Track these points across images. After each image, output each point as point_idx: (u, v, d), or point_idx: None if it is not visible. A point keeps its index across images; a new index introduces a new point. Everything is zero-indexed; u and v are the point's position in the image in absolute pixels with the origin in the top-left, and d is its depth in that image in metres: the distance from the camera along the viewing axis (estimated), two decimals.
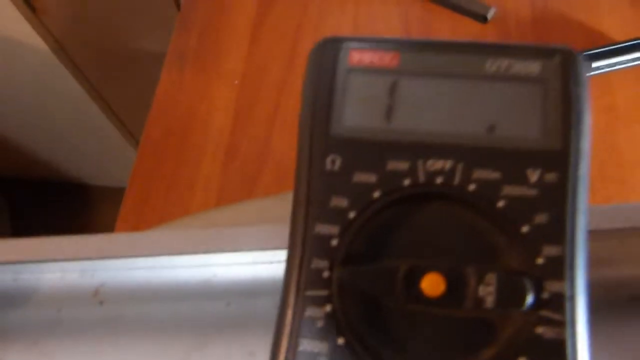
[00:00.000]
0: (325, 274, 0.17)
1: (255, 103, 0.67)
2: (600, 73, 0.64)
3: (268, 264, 0.26)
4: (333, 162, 0.17)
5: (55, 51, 1.02)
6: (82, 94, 1.11)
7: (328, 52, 0.19)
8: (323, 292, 0.16)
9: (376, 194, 0.17)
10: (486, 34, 0.69)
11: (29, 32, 0.96)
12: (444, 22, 0.70)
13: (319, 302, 0.16)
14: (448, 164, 0.17)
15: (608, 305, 0.24)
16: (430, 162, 0.17)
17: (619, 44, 0.64)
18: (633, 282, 0.24)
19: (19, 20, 0.94)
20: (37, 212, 1.40)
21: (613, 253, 0.26)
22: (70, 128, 1.25)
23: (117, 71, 1.24)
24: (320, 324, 0.16)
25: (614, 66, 0.64)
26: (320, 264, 0.17)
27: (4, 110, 1.19)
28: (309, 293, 0.16)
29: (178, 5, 1.39)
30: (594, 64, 0.63)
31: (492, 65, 0.18)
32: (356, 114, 0.18)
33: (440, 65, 0.18)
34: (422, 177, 0.17)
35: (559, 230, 0.16)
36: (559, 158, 0.17)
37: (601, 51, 0.64)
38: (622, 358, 0.22)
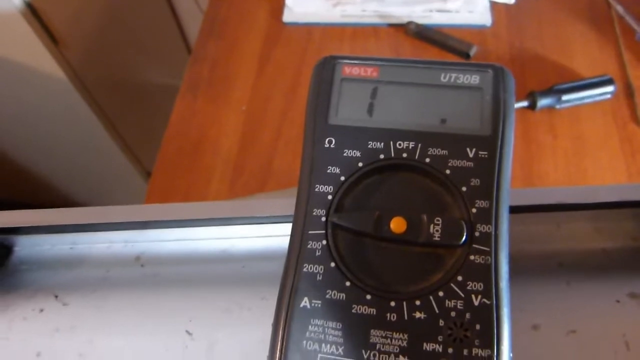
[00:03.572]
0: (323, 219, 0.23)
1: (260, 127, 0.74)
2: (571, 105, 0.71)
3: (276, 237, 0.32)
4: (330, 142, 0.24)
5: (73, 81, 1.07)
6: (95, 122, 1.16)
7: (327, 66, 0.26)
8: (321, 231, 0.23)
9: (360, 164, 0.24)
10: None
11: (49, 62, 1.02)
12: (431, 57, 0.78)
13: (318, 238, 0.23)
14: (411, 144, 0.24)
15: (541, 269, 0.30)
16: (399, 143, 0.24)
17: (588, 80, 0.72)
18: (562, 253, 0.31)
19: (41, 51, 1.00)
20: None
21: (551, 234, 0.32)
22: (82, 155, 1.30)
23: (129, 102, 1.30)
24: (318, 253, 0.23)
25: (583, 99, 0.71)
26: (319, 212, 0.23)
27: (22, 136, 1.25)
28: (311, 232, 0.23)
29: (186, 45, 1.48)
30: (565, 97, 0.71)
31: (445, 77, 0.25)
32: (347, 109, 0.25)
33: (408, 76, 0.26)
34: (392, 153, 0.24)
35: (487, 190, 0.23)
36: (489, 141, 0.24)
37: (571, 86, 0.72)
38: (547, 307, 0.29)
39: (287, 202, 0.29)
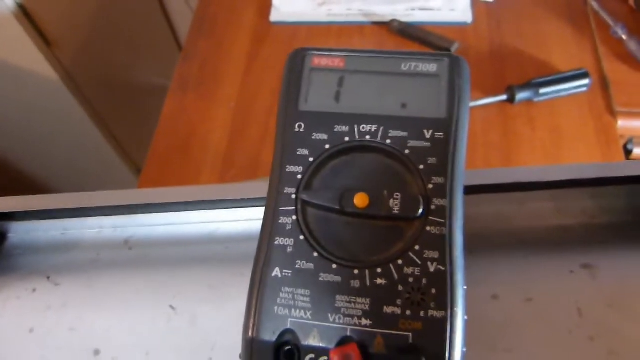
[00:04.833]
0: (293, 196, 0.25)
1: (249, 123, 0.76)
2: (549, 98, 0.74)
3: (257, 221, 0.34)
4: (299, 127, 0.27)
5: (65, 81, 1.09)
6: (88, 122, 1.17)
7: (298, 57, 0.28)
8: (291, 207, 0.25)
9: (327, 146, 0.26)
10: None
11: (42, 63, 1.03)
12: None
13: (288, 214, 0.25)
14: (374, 127, 0.26)
15: (502, 245, 0.32)
16: (362, 126, 0.26)
17: (564, 73, 0.74)
18: (523, 232, 0.33)
19: (33, 51, 1.01)
20: None
21: (514, 213, 0.35)
22: (75, 155, 1.31)
23: (122, 102, 1.31)
24: (288, 227, 0.25)
25: (560, 92, 0.73)
26: (290, 190, 0.25)
27: (14, 136, 1.26)
28: (282, 208, 0.25)
29: (178, 44, 1.50)
30: (543, 91, 0.73)
31: (406, 65, 0.27)
32: (316, 97, 0.27)
33: (372, 66, 0.28)
34: (357, 136, 0.26)
35: (443, 167, 0.25)
36: (445, 123, 0.26)
37: (549, 79, 0.74)
38: (506, 278, 0.31)
39: (266, 185, 0.31)
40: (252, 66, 0.83)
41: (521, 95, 0.73)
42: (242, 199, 0.32)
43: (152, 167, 0.73)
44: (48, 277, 0.32)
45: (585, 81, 0.73)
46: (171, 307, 0.30)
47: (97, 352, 0.29)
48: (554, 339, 0.28)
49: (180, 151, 0.74)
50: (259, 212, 0.34)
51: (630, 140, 0.76)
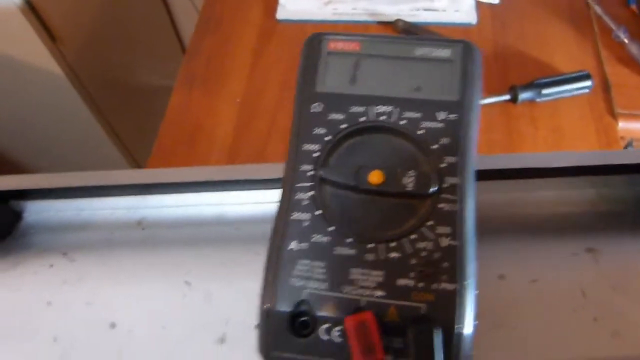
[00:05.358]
0: (310, 173, 0.26)
1: (254, 118, 0.77)
2: (551, 99, 0.75)
3: (266, 204, 0.35)
4: (316, 107, 0.27)
5: (70, 77, 1.09)
6: (91, 118, 1.18)
7: (315, 42, 0.29)
8: (307, 184, 0.26)
9: (343, 126, 0.27)
10: None
11: (47, 59, 1.04)
12: None
13: (305, 190, 0.26)
14: (389, 109, 0.27)
15: (509, 229, 0.33)
16: (377, 107, 0.27)
17: (566, 75, 0.75)
18: (529, 216, 0.34)
19: (39, 47, 1.02)
20: None
21: (521, 199, 0.35)
22: (77, 151, 1.31)
23: (124, 99, 1.32)
24: (305, 202, 0.26)
25: (562, 93, 0.74)
26: (306, 167, 0.26)
27: (18, 132, 1.26)
28: (298, 185, 0.26)
29: (181, 44, 1.51)
30: (545, 91, 0.74)
31: (420, 50, 0.28)
32: (332, 79, 0.28)
33: (387, 50, 0.28)
34: (372, 116, 0.27)
35: (455, 147, 0.26)
36: (457, 105, 0.27)
37: (551, 81, 0.75)
38: (512, 260, 0.32)
39: (276, 166, 0.32)
40: (258, 63, 0.84)
41: (524, 96, 0.74)
42: (249, 180, 0.33)
43: (158, 160, 0.74)
44: (64, 254, 0.33)
45: (587, 83, 0.74)
46: (186, 282, 0.31)
47: (113, 325, 0.30)
48: (558, 318, 0.29)
49: (186, 145, 0.75)
50: (265, 195, 0.35)
51: (630, 143, 0.77)
